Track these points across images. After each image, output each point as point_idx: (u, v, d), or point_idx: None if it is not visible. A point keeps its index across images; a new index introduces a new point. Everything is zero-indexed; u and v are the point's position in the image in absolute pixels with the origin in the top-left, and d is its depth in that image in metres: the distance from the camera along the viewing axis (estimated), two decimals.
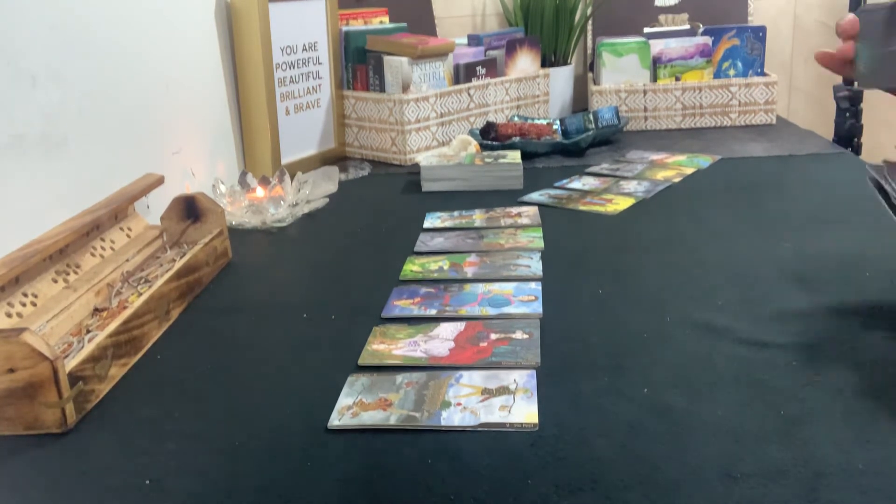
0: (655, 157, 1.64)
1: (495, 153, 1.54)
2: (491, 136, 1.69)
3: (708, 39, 1.90)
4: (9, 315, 0.84)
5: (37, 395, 0.72)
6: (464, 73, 1.78)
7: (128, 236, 1.09)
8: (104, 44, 1.16)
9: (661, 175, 1.49)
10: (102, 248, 1.03)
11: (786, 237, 1.13)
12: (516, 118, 1.85)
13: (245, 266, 1.16)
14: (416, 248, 1.17)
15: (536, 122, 1.81)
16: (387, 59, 1.68)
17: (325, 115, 1.75)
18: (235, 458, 0.68)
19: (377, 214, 1.38)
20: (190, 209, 1.14)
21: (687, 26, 2.03)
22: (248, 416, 0.75)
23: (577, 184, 1.47)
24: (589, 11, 2.06)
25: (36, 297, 0.88)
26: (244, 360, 0.86)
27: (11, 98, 0.97)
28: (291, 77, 1.64)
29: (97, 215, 1.00)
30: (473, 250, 1.15)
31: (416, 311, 0.95)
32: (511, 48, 1.87)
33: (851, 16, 0.75)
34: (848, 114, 1.83)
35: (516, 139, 1.67)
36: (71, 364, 0.75)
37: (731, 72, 1.91)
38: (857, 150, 1.83)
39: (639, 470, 0.63)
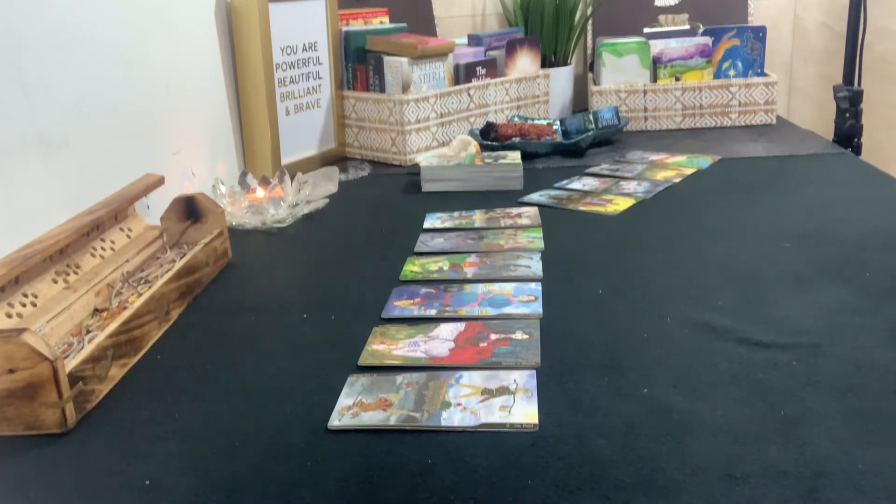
0: (655, 157, 1.64)
1: (495, 153, 1.54)
2: (491, 137, 1.69)
3: (708, 39, 1.90)
4: (9, 315, 0.84)
5: (37, 396, 0.72)
6: (464, 74, 1.78)
7: (128, 237, 1.09)
8: (104, 44, 1.16)
9: (661, 175, 1.49)
10: (102, 249, 1.03)
11: (786, 237, 1.13)
12: (516, 118, 1.84)
13: (245, 266, 1.16)
14: (417, 249, 1.17)
15: (536, 122, 1.81)
16: (387, 59, 1.68)
17: (325, 115, 1.75)
18: (235, 458, 0.68)
19: (377, 214, 1.38)
20: (190, 209, 1.14)
21: (687, 26, 2.03)
22: (249, 417, 0.75)
23: (578, 184, 1.47)
24: (589, 11, 2.06)
25: (36, 297, 0.88)
26: (244, 361, 0.86)
27: (12, 98, 0.97)
28: (291, 77, 1.64)
29: (97, 215, 1.00)
30: (473, 251, 1.15)
31: (416, 312, 0.95)
32: (511, 48, 1.86)
33: None
34: (848, 114, 1.82)
35: (516, 139, 1.67)
36: (71, 364, 0.75)
37: (731, 72, 1.91)
38: (857, 150, 1.82)
39: (639, 470, 0.63)
